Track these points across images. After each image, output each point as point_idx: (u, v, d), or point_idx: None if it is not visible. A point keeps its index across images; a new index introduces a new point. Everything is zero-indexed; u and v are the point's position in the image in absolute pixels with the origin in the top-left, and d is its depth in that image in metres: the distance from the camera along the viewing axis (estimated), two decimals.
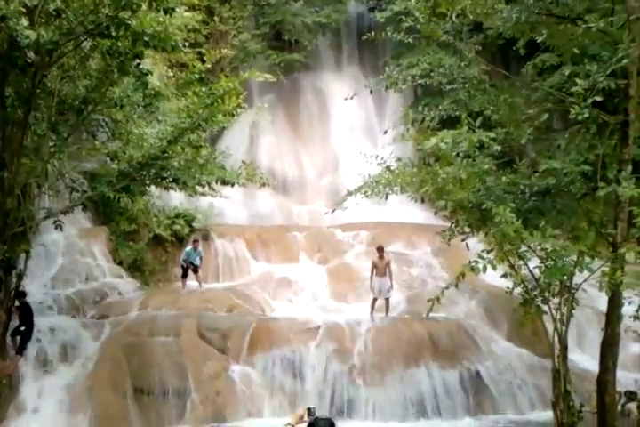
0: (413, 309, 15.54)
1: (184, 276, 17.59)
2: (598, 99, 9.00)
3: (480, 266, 9.10)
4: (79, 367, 13.63)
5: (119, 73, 13.18)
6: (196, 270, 17.61)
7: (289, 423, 5.05)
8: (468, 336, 14.42)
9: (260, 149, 25.44)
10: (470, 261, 9.09)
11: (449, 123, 10.31)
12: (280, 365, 13.68)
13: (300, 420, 4.98)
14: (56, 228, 14.23)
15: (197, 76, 15.62)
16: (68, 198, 16.88)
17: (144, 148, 14.66)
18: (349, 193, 11.52)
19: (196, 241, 17.98)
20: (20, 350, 13.32)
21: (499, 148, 9.50)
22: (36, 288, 15.27)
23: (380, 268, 15.49)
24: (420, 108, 11.46)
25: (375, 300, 15.52)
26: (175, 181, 14.80)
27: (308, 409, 4.99)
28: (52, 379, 13.41)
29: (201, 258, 17.66)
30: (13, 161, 13.03)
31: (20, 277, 13.82)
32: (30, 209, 14.03)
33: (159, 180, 14.99)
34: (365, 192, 10.98)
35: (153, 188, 17.39)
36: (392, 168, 10.92)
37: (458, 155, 9.25)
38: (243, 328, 14.41)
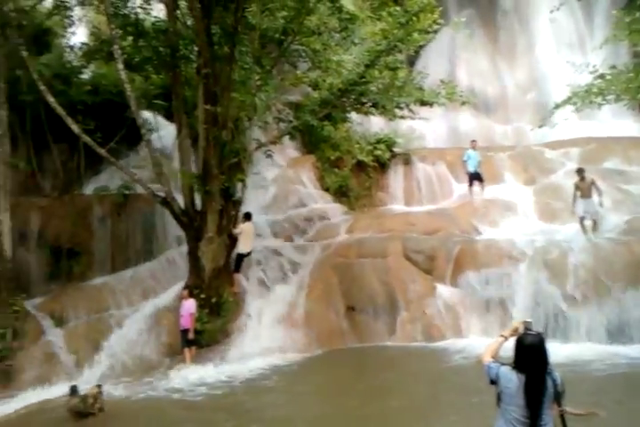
0: (632, 229, 14.49)
1: (470, 184, 17.90)
2: None
3: None
4: (295, 286, 14.63)
5: None
6: (479, 178, 17.75)
7: (502, 335, 5.02)
8: None
9: (458, 67, 24.57)
10: None
11: None
12: (488, 286, 13.57)
13: (515, 333, 4.90)
14: (267, 157, 15.11)
15: None
16: (276, 129, 17.76)
17: (343, 74, 14.87)
18: (557, 106, 10.82)
19: (473, 141, 18.13)
20: (237, 267, 14.70)
21: None
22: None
23: (584, 189, 14.62)
24: (635, 10, 10.25)
25: (582, 219, 14.74)
26: (374, 105, 14.92)
27: (524, 322, 4.90)
28: (271, 297, 14.59)
29: (480, 163, 17.72)
30: (224, 96, 13.90)
31: (239, 204, 15.02)
32: (243, 141, 14.98)
33: (359, 105, 15.20)
34: (575, 103, 10.22)
35: (354, 114, 17.70)
36: (604, 75, 10.01)
37: None
38: (448, 250, 14.44)
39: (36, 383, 12.63)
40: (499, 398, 4.80)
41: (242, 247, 14.66)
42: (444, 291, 13.86)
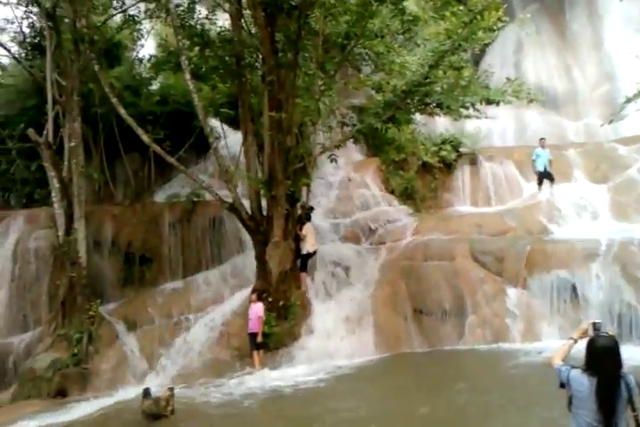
0: None
1: (539, 183, 17.55)
2: None
3: None
4: (361, 290, 14.63)
5: (377, 2, 13.30)
6: (550, 177, 17.39)
7: (571, 337, 4.89)
8: None
9: (525, 64, 24.05)
10: None
11: None
12: (559, 288, 13.13)
13: (584, 334, 4.77)
14: (331, 161, 15.16)
15: None
16: (340, 133, 17.80)
17: (406, 76, 14.74)
18: (628, 100, 10.45)
19: (542, 139, 17.81)
20: (303, 267, 14.92)
21: None
22: (317, 218, 16.52)
23: None
24: None
25: None
26: (439, 105, 14.71)
27: (594, 324, 4.75)
28: (337, 300, 14.64)
29: (550, 161, 17.43)
30: (288, 102, 14.03)
31: (304, 208, 15.13)
32: (307, 146, 15.09)
33: (423, 106, 15.02)
34: None
35: (418, 115, 17.54)
36: None
37: None
38: (518, 251, 14.08)
39: (110, 386, 13.09)
40: (570, 402, 4.69)
41: (309, 247, 14.89)
42: (513, 293, 13.54)
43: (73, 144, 15.62)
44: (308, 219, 15.16)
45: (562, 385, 4.72)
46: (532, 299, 13.34)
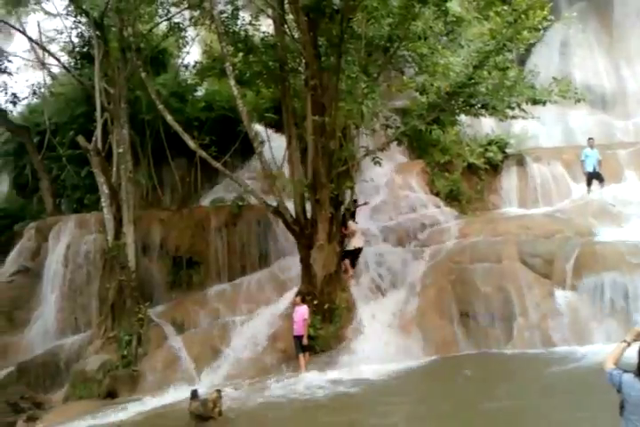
0: None
1: (588, 184, 17.32)
2: None
3: None
4: (407, 293, 14.54)
5: (419, 4, 13.24)
6: (599, 178, 17.14)
7: (624, 340, 4.80)
8: None
9: (572, 63, 23.57)
10: None
11: None
12: (610, 290, 12.83)
13: (638, 337, 4.68)
14: (375, 164, 15.14)
15: None
16: (384, 135, 17.77)
17: (450, 77, 14.61)
18: None
19: (590, 139, 17.58)
20: (346, 258, 15.19)
21: None
22: (361, 221, 16.50)
23: None
24: None
25: None
26: (484, 106, 14.58)
27: None
28: (382, 303, 14.61)
29: (599, 162, 17.19)
30: (332, 105, 14.07)
31: (348, 211, 15.15)
32: (351, 149, 15.11)
33: (468, 107, 14.89)
34: None
35: (463, 117, 17.39)
36: None
37: None
38: (566, 253, 13.80)
39: (159, 388, 13.29)
40: (622, 407, 4.59)
41: (355, 242, 15.19)
42: (562, 296, 13.29)
43: (121, 150, 15.96)
44: (352, 215, 15.26)
45: (618, 390, 4.63)
46: (582, 302, 13.08)
